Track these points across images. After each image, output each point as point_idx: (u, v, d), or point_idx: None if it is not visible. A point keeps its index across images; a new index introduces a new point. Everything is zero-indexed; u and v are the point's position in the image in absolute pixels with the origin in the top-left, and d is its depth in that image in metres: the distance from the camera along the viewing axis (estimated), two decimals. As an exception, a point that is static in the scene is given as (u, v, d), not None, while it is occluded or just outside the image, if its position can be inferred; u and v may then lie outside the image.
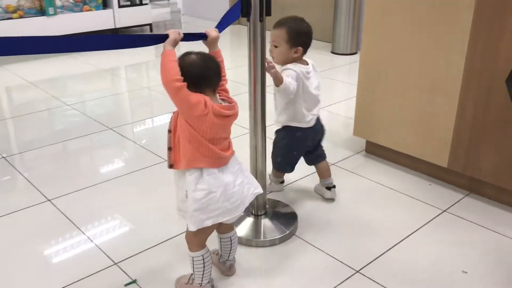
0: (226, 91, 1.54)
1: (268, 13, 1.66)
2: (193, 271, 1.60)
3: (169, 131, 1.48)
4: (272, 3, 1.67)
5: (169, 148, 1.49)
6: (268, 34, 1.78)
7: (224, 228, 1.67)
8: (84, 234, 1.99)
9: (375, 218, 2.11)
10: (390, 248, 1.89)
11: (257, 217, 2.02)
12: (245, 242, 1.91)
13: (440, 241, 1.94)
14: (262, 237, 1.95)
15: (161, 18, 7.05)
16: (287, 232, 1.96)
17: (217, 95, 1.50)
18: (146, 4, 5.68)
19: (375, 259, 1.83)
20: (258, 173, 1.90)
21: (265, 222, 2.01)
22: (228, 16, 1.65)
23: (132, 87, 4.11)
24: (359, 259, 1.82)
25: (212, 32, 1.53)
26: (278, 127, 2.10)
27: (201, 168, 1.45)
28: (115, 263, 1.80)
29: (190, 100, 1.36)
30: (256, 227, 2.00)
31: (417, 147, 2.38)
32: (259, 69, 1.72)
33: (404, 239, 1.95)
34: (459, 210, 2.14)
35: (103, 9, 5.34)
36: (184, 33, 1.47)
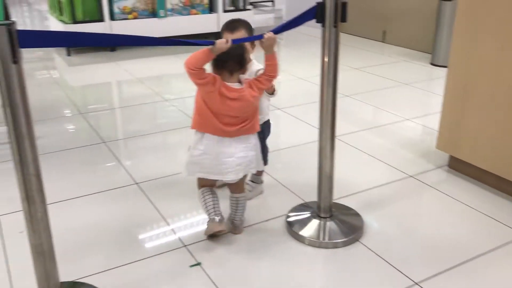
0: (261, 82, 1.81)
1: (344, 19, 1.69)
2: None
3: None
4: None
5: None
6: (345, 38, 1.82)
7: (233, 188, 1.98)
8: (161, 215, 2.17)
9: (446, 233, 2.04)
10: (456, 266, 1.82)
11: (322, 219, 2.06)
12: (308, 242, 1.97)
13: (513, 266, 1.84)
14: (327, 239, 1.99)
15: (264, 24, 7.27)
16: (351, 236, 1.98)
17: (242, 77, 1.80)
18: (249, 9, 5.91)
19: (437, 274, 1.78)
20: (324, 176, 1.94)
21: (331, 225, 2.04)
22: (297, 20, 1.71)
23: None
24: (420, 271, 1.79)
25: (266, 35, 1.72)
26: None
27: (204, 133, 1.81)
28: (185, 245, 1.95)
29: (200, 81, 1.71)
30: (321, 228, 2.04)
31: (502, 165, 2.26)
32: (332, 73, 1.77)
33: (473, 258, 1.87)
34: (542, 237, 2.00)
35: (209, 13, 5.66)
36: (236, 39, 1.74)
